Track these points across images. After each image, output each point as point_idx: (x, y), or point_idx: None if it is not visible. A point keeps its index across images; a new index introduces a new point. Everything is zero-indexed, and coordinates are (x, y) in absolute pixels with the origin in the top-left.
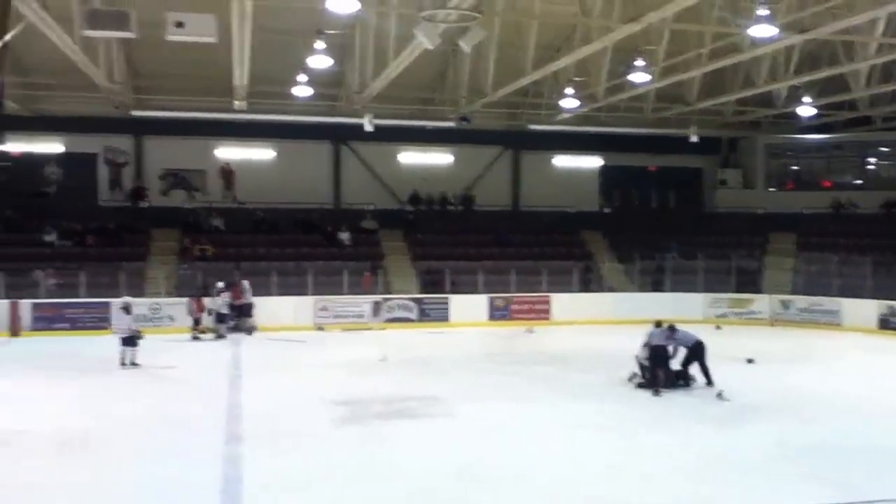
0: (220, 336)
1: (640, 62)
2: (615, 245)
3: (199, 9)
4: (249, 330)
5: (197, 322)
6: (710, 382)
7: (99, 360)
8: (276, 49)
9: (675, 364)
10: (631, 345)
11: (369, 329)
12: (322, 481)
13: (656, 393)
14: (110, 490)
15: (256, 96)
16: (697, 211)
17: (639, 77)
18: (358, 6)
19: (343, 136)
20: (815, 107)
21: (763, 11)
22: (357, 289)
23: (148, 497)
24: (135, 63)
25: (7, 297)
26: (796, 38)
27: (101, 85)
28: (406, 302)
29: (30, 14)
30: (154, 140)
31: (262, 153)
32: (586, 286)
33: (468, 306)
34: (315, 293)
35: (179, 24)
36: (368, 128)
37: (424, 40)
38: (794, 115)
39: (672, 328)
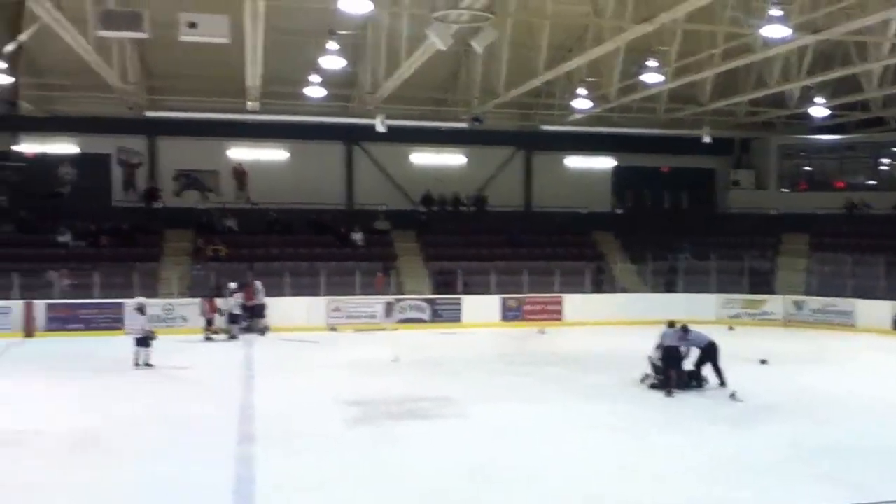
0: (232, 337)
1: (652, 63)
2: (628, 246)
3: (212, 9)
4: (262, 330)
5: (209, 323)
6: (723, 383)
7: (112, 361)
8: (289, 49)
9: (688, 365)
10: (643, 345)
11: (382, 330)
12: (334, 481)
13: (669, 394)
14: (121, 490)
15: (269, 97)
16: (710, 212)
17: (651, 77)
18: (370, 7)
19: (356, 136)
20: (828, 107)
21: (776, 12)
22: (370, 289)
23: (160, 497)
24: (148, 64)
25: (21, 297)
26: (809, 39)
27: (114, 85)
28: (418, 303)
29: (44, 15)
30: (167, 141)
31: (274, 154)
32: (599, 287)
33: (480, 307)
34: (328, 294)
35: (192, 25)
36: (381, 128)
37: (437, 41)
38: (807, 116)
39: (685, 329)
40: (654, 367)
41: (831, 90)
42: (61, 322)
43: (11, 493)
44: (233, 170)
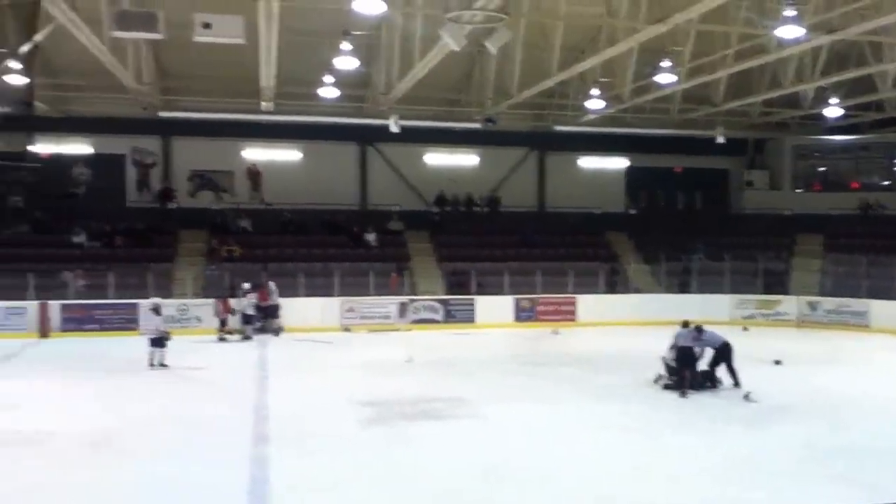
0: (246, 337)
1: (666, 63)
2: (641, 246)
3: (227, 10)
4: (276, 331)
5: (223, 323)
6: (737, 384)
7: (127, 361)
8: (303, 50)
9: (702, 365)
10: (657, 346)
11: (395, 330)
12: (348, 482)
13: (683, 394)
14: (135, 490)
15: (283, 97)
16: (724, 212)
17: (665, 78)
18: (384, 7)
19: (369, 137)
20: (843, 108)
21: (790, 12)
22: (383, 290)
23: (174, 497)
24: (163, 64)
25: (36, 298)
26: (823, 39)
27: (129, 86)
28: (432, 303)
29: (59, 15)
30: (182, 141)
31: (288, 154)
32: (612, 287)
33: (494, 307)
34: (342, 294)
35: (207, 26)
36: (394, 129)
37: (450, 41)
38: (821, 116)
39: (699, 329)
40: (668, 367)
41: (846, 90)
42: (76, 322)
43: (26, 493)
44: (247, 170)
